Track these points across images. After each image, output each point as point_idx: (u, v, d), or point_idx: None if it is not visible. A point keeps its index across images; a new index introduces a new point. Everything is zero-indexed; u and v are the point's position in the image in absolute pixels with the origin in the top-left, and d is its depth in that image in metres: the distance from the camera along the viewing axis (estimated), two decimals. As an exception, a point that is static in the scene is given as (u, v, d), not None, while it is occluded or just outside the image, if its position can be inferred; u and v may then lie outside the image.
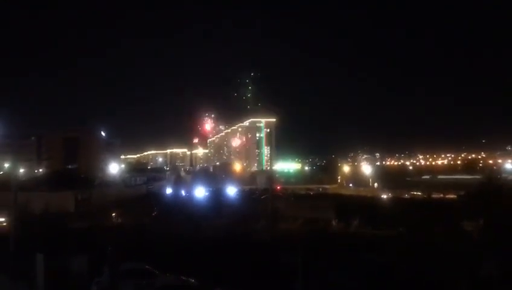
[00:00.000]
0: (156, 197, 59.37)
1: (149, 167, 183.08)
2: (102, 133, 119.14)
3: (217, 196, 53.72)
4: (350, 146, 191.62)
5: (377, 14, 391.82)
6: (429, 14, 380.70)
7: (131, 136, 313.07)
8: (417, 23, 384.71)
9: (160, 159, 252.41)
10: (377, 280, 19.88)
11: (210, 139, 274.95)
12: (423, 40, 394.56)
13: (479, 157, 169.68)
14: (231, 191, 62.67)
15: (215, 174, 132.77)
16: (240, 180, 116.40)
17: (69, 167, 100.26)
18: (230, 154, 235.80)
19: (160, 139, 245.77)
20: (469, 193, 37.23)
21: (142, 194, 68.06)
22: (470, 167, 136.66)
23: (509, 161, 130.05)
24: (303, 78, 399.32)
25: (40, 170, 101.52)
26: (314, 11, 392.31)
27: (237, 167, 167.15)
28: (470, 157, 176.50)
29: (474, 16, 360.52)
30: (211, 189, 65.04)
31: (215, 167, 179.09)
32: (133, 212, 42.82)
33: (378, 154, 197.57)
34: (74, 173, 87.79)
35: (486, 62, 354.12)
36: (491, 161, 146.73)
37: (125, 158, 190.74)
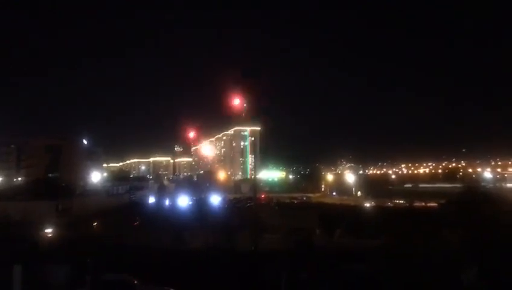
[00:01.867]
0: (138, 206, 58.64)
1: (131, 176, 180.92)
2: (84, 141, 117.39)
3: (200, 205, 53.40)
4: (334, 155, 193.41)
5: (355, 25, 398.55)
6: (409, 25, 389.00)
7: (114, 144, 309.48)
8: (398, 33, 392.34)
9: (143, 168, 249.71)
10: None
11: (194, 148, 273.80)
12: (405, 50, 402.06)
13: (459, 166, 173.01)
14: (215, 200, 62.34)
15: (199, 183, 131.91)
16: (224, 188, 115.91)
17: (50, 175, 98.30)
18: (214, 162, 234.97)
19: (143, 147, 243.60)
20: (449, 201, 37.97)
21: (124, 203, 67.07)
22: (450, 175, 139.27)
23: (488, 169, 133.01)
24: (288, 86, 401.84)
25: (19, 179, 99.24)
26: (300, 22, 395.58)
27: (221, 175, 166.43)
28: (450, 166, 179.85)
29: (452, 28, 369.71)
30: (194, 198, 64.60)
31: (198, 175, 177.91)
32: (114, 222, 42.16)
33: (361, 165, 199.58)
34: (55, 182, 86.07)
35: (468, 72, 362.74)
36: (470, 170, 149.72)
37: (108, 167, 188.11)
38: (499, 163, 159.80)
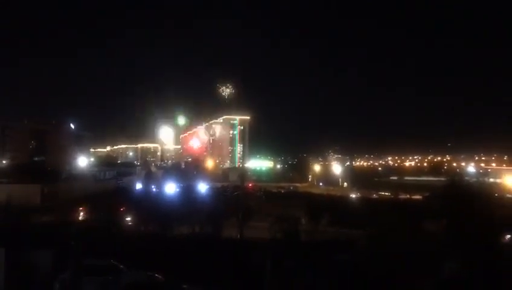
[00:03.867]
0: (125, 192, 58.35)
1: (119, 161, 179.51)
2: (72, 126, 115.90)
3: (187, 192, 53.24)
4: (322, 146, 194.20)
5: (345, 18, 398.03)
6: (396, 22, 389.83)
7: (102, 129, 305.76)
8: (386, 26, 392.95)
9: (131, 154, 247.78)
10: (346, 280, 20.19)
11: (182, 135, 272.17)
12: (395, 43, 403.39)
13: (444, 160, 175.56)
14: (202, 187, 62.29)
15: (187, 170, 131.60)
16: (211, 176, 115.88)
17: (36, 159, 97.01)
18: (202, 150, 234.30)
19: (131, 133, 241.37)
20: (433, 194, 38.61)
21: (111, 188, 66.68)
22: (435, 169, 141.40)
23: (472, 164, 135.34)
24: (277, 77, 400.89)
25: (4, 162, 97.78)
26: (292, 14, 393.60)
27: (209, 163, 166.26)
28: (435, 159, 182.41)
29: (439, 25, 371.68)
30: (181, 185, 64.44)
31: (186, 162, 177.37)
32: (101, 207, 41.93)
33: (348, 157, 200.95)
34: (41, 166, 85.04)
35: (456, 69, 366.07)
36: (455, 164, 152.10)
37: (95, 152, 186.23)
38: (483, 158, 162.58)
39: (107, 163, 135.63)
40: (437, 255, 22.45)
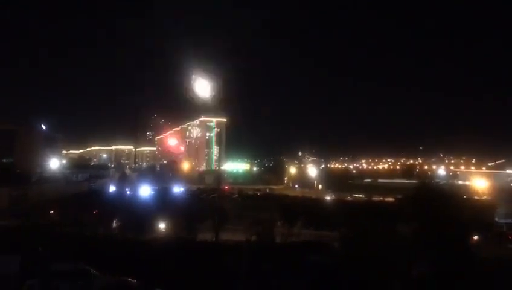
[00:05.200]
0: (98, 195, 57.13)
1: (92, 164, 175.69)
2: (43, 127, 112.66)
3: (162, 195, 52.66)
4: (298, 149, 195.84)
5: (313, 18, 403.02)
6: (367, 21, 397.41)
7: (75, 131, 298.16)
8: (357, 25, 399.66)
9: (105, 156, 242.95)
10: (320, 281, 20.40)
11: (158, 137, 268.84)
12: (366, 44, 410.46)
13: (416, 163, 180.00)
14: (178, 190, 61.76)
15: (162, 173, 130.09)
16: (187, 179, 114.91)
17: (4, 161, 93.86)
18: (178, 152, 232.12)
19: (105, 135, 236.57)
20: (405, 197, 39.43)
21: (83, 191, 65.20)
22: (407, 172, 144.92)
23: (442, 167, 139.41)
24: (254, 78, 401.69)
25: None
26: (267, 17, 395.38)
27: (185, 166, 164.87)
28: (408, 162, 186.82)
29: (407, 25, 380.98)
30: (156, 188, 63.66)
31: (162, 165, 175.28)
32: (73, 210, 40.92)
33: (323, 159, 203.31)
34: (9, 168, 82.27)
35: (424, 72, 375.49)
36: (426, 167, 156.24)
37: (68, 153, 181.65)
38: (452, 161, 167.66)
39: (79, 165, 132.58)
40: (408, 255, 22.99)
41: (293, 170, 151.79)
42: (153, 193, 56.44)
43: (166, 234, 33.34)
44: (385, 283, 20.05)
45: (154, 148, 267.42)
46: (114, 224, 35.73)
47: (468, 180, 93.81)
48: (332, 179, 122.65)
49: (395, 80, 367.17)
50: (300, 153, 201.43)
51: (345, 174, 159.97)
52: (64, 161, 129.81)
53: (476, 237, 36.81)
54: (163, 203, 43.17)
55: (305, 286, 19.62)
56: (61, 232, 30.13)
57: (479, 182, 78.35)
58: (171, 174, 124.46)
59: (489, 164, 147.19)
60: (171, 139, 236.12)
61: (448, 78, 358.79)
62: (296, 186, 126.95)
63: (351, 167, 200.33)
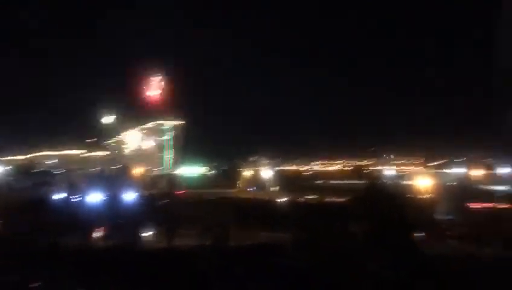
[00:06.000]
0: (44, 202, 54.56)
1: (39, 170, 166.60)
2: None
3: (113, 201, 51.19)
4: (253, 151, 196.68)
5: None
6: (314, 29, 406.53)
7: (20, 135, 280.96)
8: (303, 34, 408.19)
9: (53, 161, 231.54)
10: (272, 282, 20.66)
11: (109, 141, 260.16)
12: (317, 48, 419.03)
13: (366, 164, 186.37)
14: (130, 196, 60.20)
15: (113, 178, 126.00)
16: (140, 184, 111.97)
17: None
18: (130, 157, 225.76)
19: (52, 139, 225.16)
20: (355, 197, 41.10)
21: (28, 198, 61.89)
22: (358, 173, 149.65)
23: (390, 168, 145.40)
24: (211, 81, 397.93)
25: None
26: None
27: (138, 170, 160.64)
28: (358, 164, 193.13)
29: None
30: (107, 194, 61.71)
31: (113, 170, 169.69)
32: (15, 218, 38.84)
33: (278, 161, 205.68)
34: None
35: (375, 72, 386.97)
36: (375, 168, 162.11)
37: (11, 159, 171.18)
38: (399, 162, 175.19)
39: (25, 171, 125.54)
40: (359, 253, 23.91)
41: (248, 172, 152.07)
42: (103, 199, 54.75)
43: (117, 241, 32.49)
44: (339, 280, 20.71)
45: (107, 153, 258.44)
46: (60, 232, 34.33)
47: (412, 179, 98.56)
48: (286, 181, 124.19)
49: (346, 81, 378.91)
50: (255, 156, 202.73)
51: (299, 176, 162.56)
52: (7, 167, 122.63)
53: (419, 234, 38.91)
54: (114, 209, 42.07)
55: (257, 287, 19.87)
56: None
57: (422, 182, 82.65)
58: (123, 180, 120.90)
59: (433, 164, 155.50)
60: (123, 143, 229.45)
61: (399, 81, 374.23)
62: (251, 189, 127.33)
63: (305, 168, 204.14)
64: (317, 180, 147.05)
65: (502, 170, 69.77)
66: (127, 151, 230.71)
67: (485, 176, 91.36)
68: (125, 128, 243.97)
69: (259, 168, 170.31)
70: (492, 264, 24.70)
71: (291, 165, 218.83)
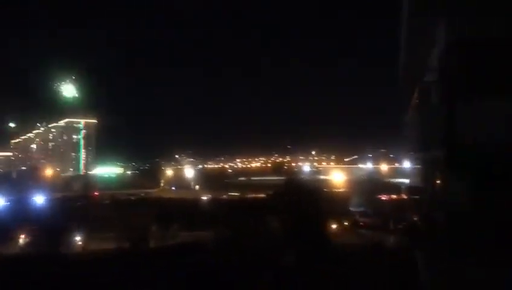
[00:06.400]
0: None
1: None
2: None
3: (19, 205, 47.16)
4: (174, 149, 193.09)
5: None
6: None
7: None
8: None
9: None
10: (193, 282, 20.56)
11: (14, 141, 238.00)
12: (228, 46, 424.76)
13: (285, 160, 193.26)
14: (39, 199, 55.88)
15: (20, 181, 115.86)
16: (51, 186, 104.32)
17: None
18: (40, 157, 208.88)
19: None
20: (275, 192, 42.44)
21: None
22: (277, 169, 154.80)
23: (307, 163, 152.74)
24: (127, 79, 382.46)
25: None
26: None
27: (48, 172, 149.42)
28: (278, 160, 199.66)
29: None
30: (12, 198, 56.67)
31: (19, 172, 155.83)
32: None
33: (200, 160, 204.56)
34: None
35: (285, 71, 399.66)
36: (294, 164, 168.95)
37: None
38: (316, 158, 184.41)
39: None
40: (278, 247, 24.75)
41: (169, 171, 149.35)
42: (8, 203, 50.30)
43: (25, 248, 30.02)
44: (256, 276, 21.17)
45: (10, 154, 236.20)
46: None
47: (328, 175, 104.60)
48: (209, 179, 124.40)
49: (263, 81, 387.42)
50: (177, 155, 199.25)
51: (221, 174, 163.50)
52: None
53: (334, 225, 41.46)
54: (20, 214, 38.77)
55: (179, 287, 19.67)
56: None
57: (336, 176, 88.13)
58: (30, 182, 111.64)
59: (346, 160, 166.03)
60: (31, 143, 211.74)
61: (313, 80, 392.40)
62: (173, 188, 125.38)
63: (227, 166, 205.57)
64: (240, 177, 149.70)
65: (405, 164, 76.73)
66: (35, 151, 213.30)
67: (392, 169, 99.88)
68: (34, 127, 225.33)
69: (183, 167, 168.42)
70: (392, 251, 27.07)
71: (215, 164, 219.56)
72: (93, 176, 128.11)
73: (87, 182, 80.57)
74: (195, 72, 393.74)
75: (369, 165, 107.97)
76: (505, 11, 8.80)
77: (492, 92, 8.75)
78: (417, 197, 17.35)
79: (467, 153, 8.68)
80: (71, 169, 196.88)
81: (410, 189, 26.67)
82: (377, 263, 21.89)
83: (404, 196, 38.38)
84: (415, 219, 15.73)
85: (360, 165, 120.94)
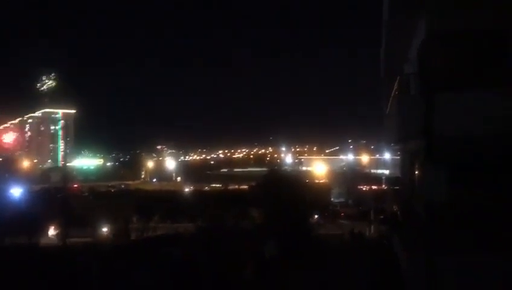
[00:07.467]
0: None
1: None
2: None
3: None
4: (155, 142, 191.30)
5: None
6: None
7: None
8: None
9: None
10: (173, 273, 20.46)
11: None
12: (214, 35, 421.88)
13: (267, 152, 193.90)
14: (16, 192, 54.44)
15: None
16: (28, 178, 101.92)
17: None
18: (16, 149, 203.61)
19: None
20: (257, 184, 42.52)
21: None
22: (259, 160, 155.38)
23: (289, 155, 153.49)
24: (108, 70, 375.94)
25: None
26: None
27: (25, 163, 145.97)
28: (260, 152, 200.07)
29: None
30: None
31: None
32: None
33: (181, 151, 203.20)
34: None
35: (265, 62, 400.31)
36: (276, 155, 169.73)
37: None
38: (298, 149, 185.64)
39: None
40: (259, 237, 24.84)
41: (150, 163, 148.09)
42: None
43: (1, 241, 29.31)
44: (238, 266, 21.20)
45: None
46: None
47: (310, 166, 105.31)
48: (190, 171, 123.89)
49: (245, 72, 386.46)
50: (158, 146, 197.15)
51: (203, 166, 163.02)
52: None
53: (316, 216, 41.81)
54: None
55: (159, 279, 19.53)
56: None
57: (318, 168, 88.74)
58: (6, 174, 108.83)
59: (327, 151, 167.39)
60: (7, 134, 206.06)
61: (295, 72, 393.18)
62: (154, 180, 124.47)
63: (209, 158, 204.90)
64: (221, 169, 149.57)
65: (385, 156, 77.89)
66: (10, 142, 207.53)
67: (373, 161, 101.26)
68: (9, 118, 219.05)
69: (164, 158, 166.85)
70: (372, 241, 27.55)
71: (197, 155, 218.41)
72: (72, 167, 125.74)
73: (66, 174, 78.90)
74: (177, 63, 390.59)
75: (350, 156, 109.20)
76: (485, 3, 8.89)
77: (472, 84, 8.86)
78: (397, 187, 17.62)
79: (445, 145, 8.80)
80: (49, 161, 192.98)
81: (390, 180, 27.11)
82: (357, 252, 22.26)
83: (384, 187, 38.97)
84: (395, 209, 15.97)
85: (341, 156, 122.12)
